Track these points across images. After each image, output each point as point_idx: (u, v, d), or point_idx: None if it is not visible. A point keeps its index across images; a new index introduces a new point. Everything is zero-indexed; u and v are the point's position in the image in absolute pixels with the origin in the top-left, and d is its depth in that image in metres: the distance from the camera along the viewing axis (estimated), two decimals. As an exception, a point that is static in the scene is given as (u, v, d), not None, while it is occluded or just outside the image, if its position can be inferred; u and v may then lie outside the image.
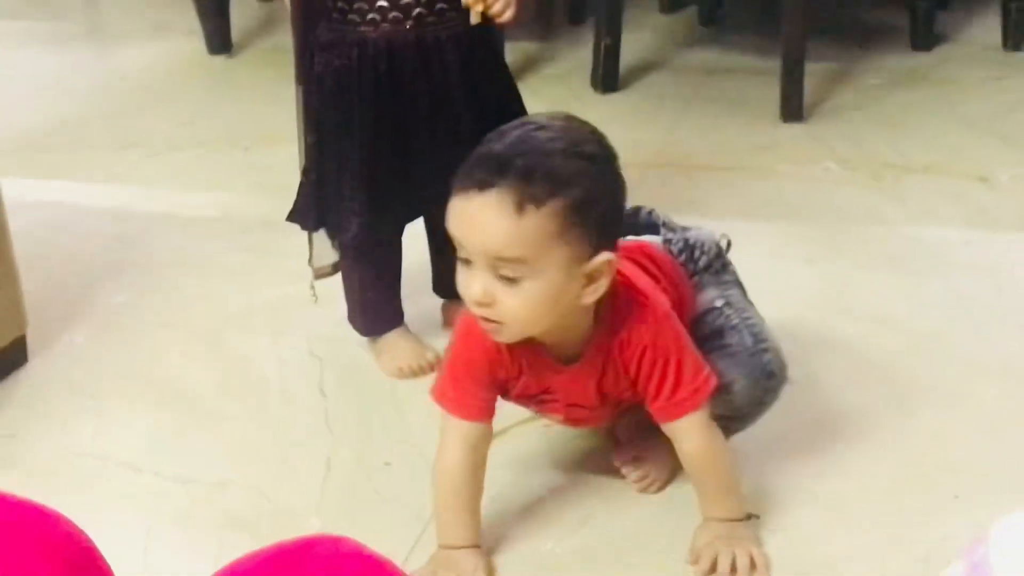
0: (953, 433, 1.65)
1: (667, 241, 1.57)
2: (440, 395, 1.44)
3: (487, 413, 1.43)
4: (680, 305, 1.49)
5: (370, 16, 1.64)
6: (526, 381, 1.44)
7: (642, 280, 1.44)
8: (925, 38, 2.89)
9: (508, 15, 1.64)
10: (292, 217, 1.79)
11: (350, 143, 1.70)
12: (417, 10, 1.64)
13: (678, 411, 1.41)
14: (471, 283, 1.30)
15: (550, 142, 1.31)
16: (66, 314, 2.03)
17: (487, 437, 1.44)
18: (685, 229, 1.60)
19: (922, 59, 2.86)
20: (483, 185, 1.27)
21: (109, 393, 1.84)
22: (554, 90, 2.79)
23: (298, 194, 1.78)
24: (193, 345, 1.95)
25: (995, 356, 1.80)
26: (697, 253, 1.57)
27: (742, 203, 2.28)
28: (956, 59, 2.85)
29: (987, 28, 2.94)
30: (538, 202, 1.26)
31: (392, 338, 1.85)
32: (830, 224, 2.19)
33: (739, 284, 1.61)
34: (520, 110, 1.75)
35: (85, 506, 1.57)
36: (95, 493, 1.63)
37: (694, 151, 2.49)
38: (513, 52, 2.88)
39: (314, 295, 1.84)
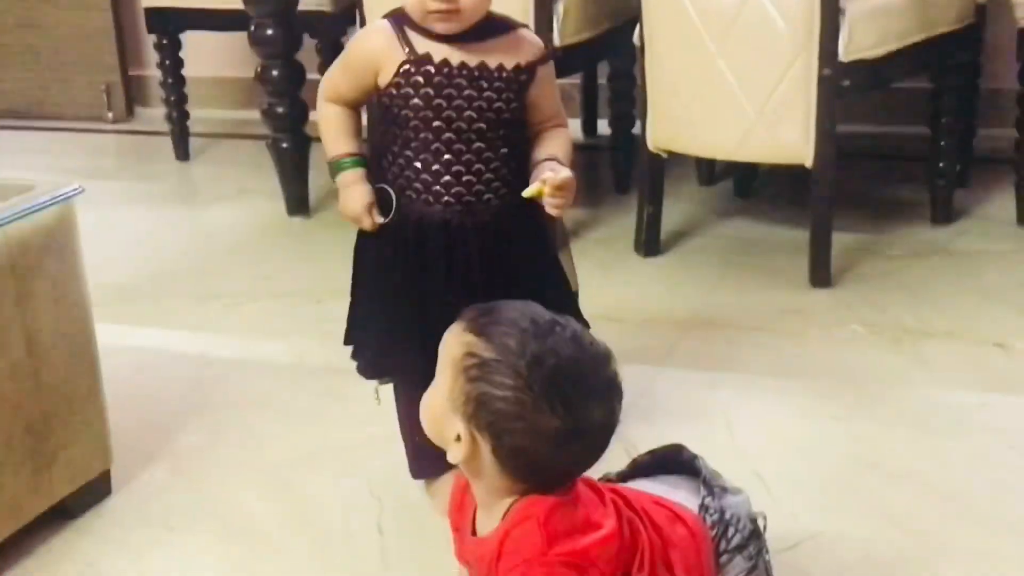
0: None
1: (703, 508, 1.42)
2: None
3: None
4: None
5: (407, 192, 1.67)
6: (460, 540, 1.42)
7: (609, 528, 1.30)
8: (944, 213, 2.90)
9: (557, 213, 1.65)
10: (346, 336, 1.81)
11: (375, 289, 1.73)
12: (445, 198, 1.66)
13: None
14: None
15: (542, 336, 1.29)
16: (148, 451, 2.03)
17: None
18: (724, 491, 1.45)
19: (941, 232, 2.85)
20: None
21: (183, 527, 1.84)
22: (600, 253, 2.81)
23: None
24: (262, 483, 1.94)
25: (1014, 515, 1.77)
26: (732, 531, 1.42)
27: (774, 362, 2.27)
28: (973, 233, 2.85)
29: (1003, 205, 2.94)
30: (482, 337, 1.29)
31: (443, 481, 1.83)
32: (856, 384, 2.17)
33: (767, 570, 1.46)
34: (553, 294, 1.71)
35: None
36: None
37: (730, 313, 2.49)
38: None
39: (378, 399, 1.81)
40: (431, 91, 1.63)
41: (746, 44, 2.50)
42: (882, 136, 3.48)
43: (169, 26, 3.66)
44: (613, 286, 2.64)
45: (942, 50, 2.73)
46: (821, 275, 2.59)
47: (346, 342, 1.79)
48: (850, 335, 2.37)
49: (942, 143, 2.85)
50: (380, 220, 1.67)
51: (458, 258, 1.67)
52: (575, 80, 3.63)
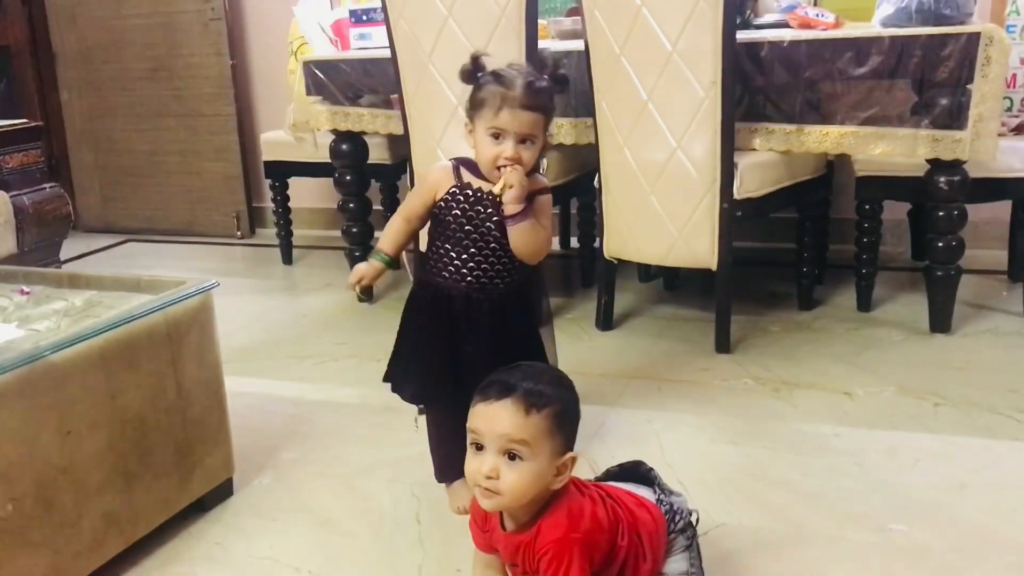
0: (830, 560, 1.60)
1: (659, 501, 1.43)
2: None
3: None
4: (651, 544, 1.36)
5: (443, 273, 1.68)
6: (490, 536, 1.38)
7: (599, 511, 1.31)
8: (807, 302, 2.89)
9: (509, 209, 1.60)
10: (385, 375, 1.78)
11: (414, 340, 1.72)
12: (468, 279, 1.66)
13: None
14: (484, 461, 1.26)
15: (539, 376, 1.30)
16: (258, 465, 2.02)
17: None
18: (671, 493, 1.45)
19: (805, 315, 2.85)
20: (501, 396, 1.26)
21: (282, 518, 1.82)
22: (571, 328, 2.81)
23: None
24: (337, 487, 1.93)
25: (858, 511, 1.75)
26: (677, 518, 1.42)
27: (691, 404, 2.26)
28: (827, 316, 2.84)
29: (847, 297, 2.94)
30: (539, 408, 1.25)
31: (457, 485, 1.81)
32: (748, 419, 2.16)
33: (697, 548, 1.44)
34: (534, 352, 1.71)
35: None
36: (269, 583, 1.60)
37: (660, 369, 2.48)
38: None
39: (416, 425, 1.79)
40: (467, 206, 1.65)
41: (671, 186, 2.52)
42: (763, 249, 3.49)
43: (281, 173, 3.71)
44: (580, 351, 2.63)
45: (804, 191, 2.75)
46: (723, 344, 2.58)
47: (385, 379, 1.77)
48: (743, 386, 2.36)
49: (805, 254, 2.86)
50: (356, 291, 1.71)
51: (474, 321, 1.67)
52: (555, 210, 3.66)
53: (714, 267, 2.54)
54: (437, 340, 1.68)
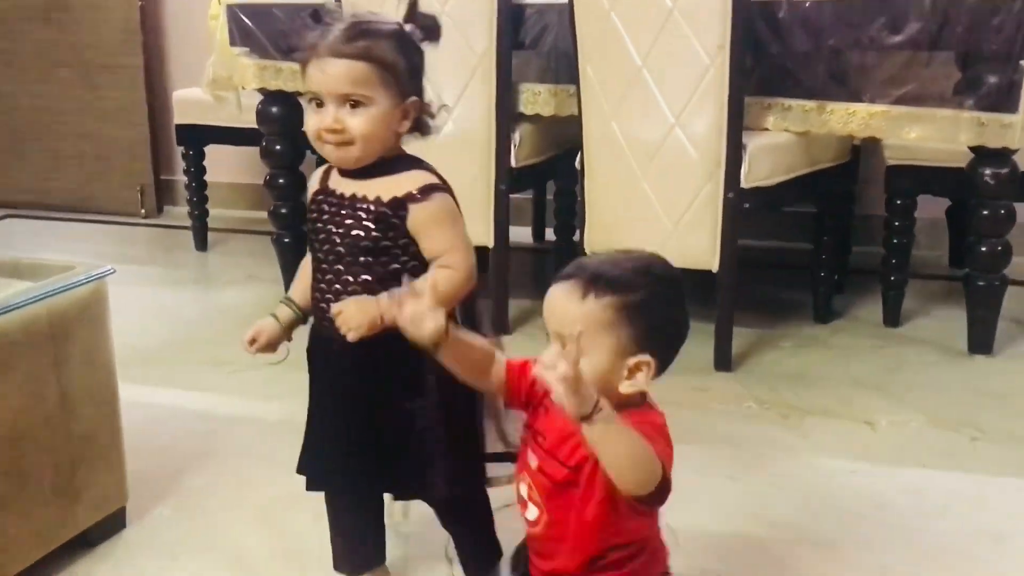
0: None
1: None
2: None
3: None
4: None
5: (318, 314, 1.51)
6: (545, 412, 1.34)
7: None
8: (824, 313, 2.93)
9: (350, 336, 1.40)
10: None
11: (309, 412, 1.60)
12: (328, 315, 1.45)
13: None
14: (549, 350, 1.25)
15: (625, 261, 1.30)
16: (158, 492, 2.01)
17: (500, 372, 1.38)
18: None
19: (821, 329, 2.88)
20: (565, 278, 1.27)
21: (186, 557, 1.81)
22: (543, 336, 2.79)
23: None
24: (254, 520, 1.92)
25: (876, 563, 1.77)
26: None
27: (683, 431, 2.23)
28: (847, 331, 2.87)
29: (871, 309, 2.97)
30: (598, 294, 1.25)
31: None
32: (749, 450, 2.18)
33: None
34: (420, 413, 1.49)
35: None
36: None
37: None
38: (514, 308, 2.92)
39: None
40: (314, 216, 1.49)
41: (666, 170, 2.54)
42: (774, 249, 3.52)
43: (195, 140, 3.69)
44: (553, 364, 2.63)
45: (824, 181, 2.78)
46: (723, 360, 2.60)
47: (299, 469, 1.62)
48: (745, 411, 2.38)
49: (823, 257, 2.89)
50: (252, 354, 1.57)
51: (336, 372, 1.50)
52: (528, 196, 3.67)
53: (715, 268, 2.55)
54: (312, 401, 1.57)
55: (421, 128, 1.48)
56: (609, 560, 1.31)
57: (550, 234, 3.49)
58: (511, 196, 2.80)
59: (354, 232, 1.43)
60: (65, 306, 1.70)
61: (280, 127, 3.15)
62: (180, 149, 3.75)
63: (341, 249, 1.44)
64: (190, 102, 3.64)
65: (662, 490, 1.25)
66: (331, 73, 1.39)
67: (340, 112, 1.40)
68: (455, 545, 1.65)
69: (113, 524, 1.86)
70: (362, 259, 1.43)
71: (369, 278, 1.44)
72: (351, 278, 1.45)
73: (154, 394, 2.43)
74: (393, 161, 1.46)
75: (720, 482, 2.05)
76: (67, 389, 1.71)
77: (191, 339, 2.87)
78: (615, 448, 1.20)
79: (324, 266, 1.47)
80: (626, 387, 1.26)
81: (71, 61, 4.27)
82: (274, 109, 3.14)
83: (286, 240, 3.18)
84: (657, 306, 1.28)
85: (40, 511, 1.68)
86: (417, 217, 1.42)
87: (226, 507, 1.97)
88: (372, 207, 1.43)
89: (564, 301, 1.26)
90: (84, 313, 1.73)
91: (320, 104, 1.42)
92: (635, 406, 1.29)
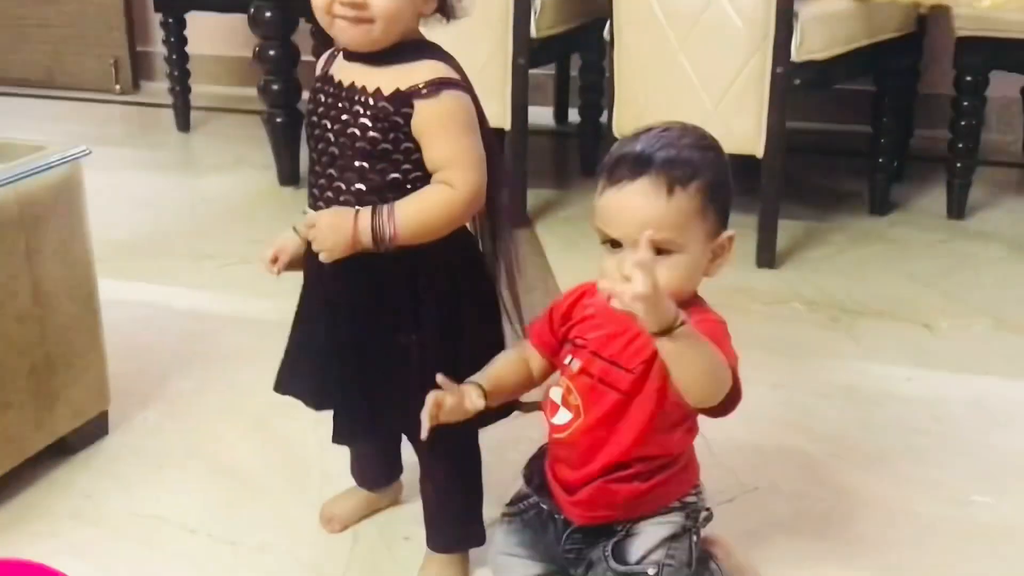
0: (890, 540, 1.64)
1: None
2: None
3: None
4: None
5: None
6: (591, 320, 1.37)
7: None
8: (881, 205, 2.92)
9: (322, 257, 1.36)
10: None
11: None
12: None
13: None
14: (625, 259, 1.19)
15: (680, 139, 1.31)
16: (143, 396, 2.04)
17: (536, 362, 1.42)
18: None
19: (878, 222, 2.88)
20: (634, 175, 1.27)
21: (172, 465, 1.85)
22: (566, 230, 2.82)
23: None
24: (246, 427, 1.95)
25: (929, 477, 1.80)
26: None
27: (720, 334, 2.29)
28: (907, 224, 2.87)
29: (934, 199, 2.96)
30: (683, 184, 1.26)
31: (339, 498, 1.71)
32: (794, 356, 2.20)
33: (693, 539, 1.40)
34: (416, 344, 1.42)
35: (144, 560, 1.60)
36: (154, 550, 1.63)
37: (681, 288, 2.50)
38: (533, 198, 2.92)
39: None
40: (310, 107, 1.42)
41: (707, 42, 2.51)
42: (827, 132, 3.50)
43: (175, 6, 3.65)
44: (578, 260, 2.64)
45: (885, 55, 2.75)
46: (767, 257, 2.61)
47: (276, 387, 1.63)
48: (790, 312, 2.40)
49: (882, 141, 2.87)
50: (273, 273, 1.53)
51: (329, 290, 1.45)
52: (549, 71, 3.64)
53: (760, 153, 2.54)
54: (298, 313, 1.56)
55: (446, 9, 1.39)
56: (634, 471, 1.34)
57: (573, 115, 3.47)
58: (530, 71, 2.77)
59: (349, 130, 1.34)
60: (36, 191, 1.70)
61: (270, -9, 3.12)
62: (158, 17, 3.71)
63: (335, 150, 1.36)
64: (168, -38, 3.60)
65: (734, 398, 1.28)
66: None
67: None
68: (433, 500, 1.55)
69: (94, 430, 1.89)
70: (357, 163, 1.34)
71: (363, 187, 1.35)
72: (343, 185, 1.36)
73: (136, 290, 2.45)
74: (405, 47, 1.35)
75: (761, 391, 2.06)
76: (41, 283, 1.72)
77: (174, 231, 2.88)
78: (692, 361, 1.21)
79: (317, 168, 1.40)
80: (715, 268, 1.33)
81: (33, -85, 4.22)
82: (263, -30, 3.11)
83: (278, 119, 3.17)
84: (725, 176, 1.33)
85: (14, 415, 1.71)
86: (421, 116, 1.32)
87: (216, 413, 1.99)
88: (371, 100, 1.33)
89: (649, 202, 1.26)
90: (58, 199, 1.73)
91: None
92: (690, 304, 1.31)
